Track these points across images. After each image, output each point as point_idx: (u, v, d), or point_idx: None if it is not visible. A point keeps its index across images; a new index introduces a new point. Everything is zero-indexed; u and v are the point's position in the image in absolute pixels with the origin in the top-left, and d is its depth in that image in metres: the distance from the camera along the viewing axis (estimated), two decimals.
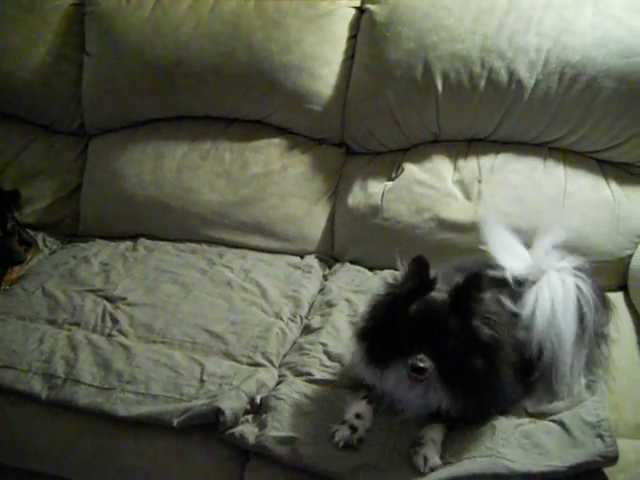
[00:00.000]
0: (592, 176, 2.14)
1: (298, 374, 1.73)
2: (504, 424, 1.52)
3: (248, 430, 1.57)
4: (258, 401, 1.65)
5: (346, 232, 2.27)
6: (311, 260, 2.25)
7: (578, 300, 1.61)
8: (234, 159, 2.37)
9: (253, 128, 2.41)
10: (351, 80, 2.31)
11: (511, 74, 2.11)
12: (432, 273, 1.49)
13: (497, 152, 2.20)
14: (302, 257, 2.28)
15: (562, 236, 1.69)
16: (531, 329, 1.57)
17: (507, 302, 1.58)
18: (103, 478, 1.70)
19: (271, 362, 1.79)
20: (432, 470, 1.43)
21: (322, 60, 2.31)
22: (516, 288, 1.61)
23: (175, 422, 1.58)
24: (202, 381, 1.69)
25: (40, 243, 2.37)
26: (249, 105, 2.38)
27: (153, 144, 2.43)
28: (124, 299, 2.01)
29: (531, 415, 1.56)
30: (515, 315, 1.58)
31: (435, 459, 1.44)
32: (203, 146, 2.40)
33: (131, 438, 1.64)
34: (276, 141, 2.38)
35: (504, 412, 1.55)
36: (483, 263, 1.64)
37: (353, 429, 1.51)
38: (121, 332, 1.88)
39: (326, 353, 1.80)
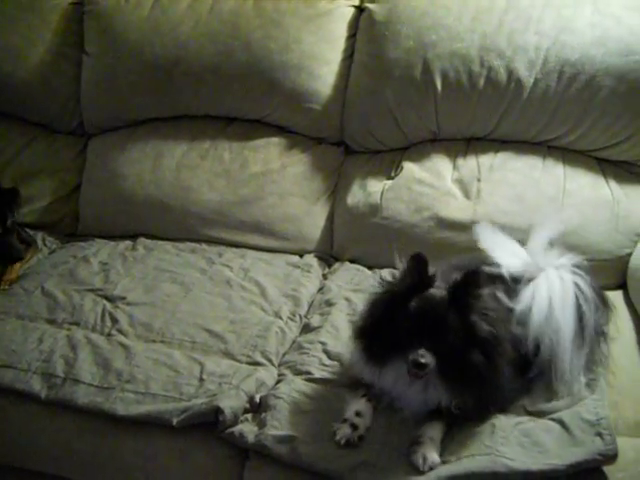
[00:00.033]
0: (591, 175, 2.14)
1: (297, 373, 1.73)
2: (503, 422, 1.52)
3: (247, 429, 1.57)
4: (257, 400, 1.65)
5: (345, 231, 2.27)
6: (310, 259, 2.25)
7: (576, 298, 1.62)
8: (233, 158, 2.37)
9: (252, 127, 2.41)
10: (350, 79, 2.31)
11: (510, 73, 2.11)
12: (431, 270, 1.50)
13: (496, 151, 2.21)
14: (301, 256, 2.28)
15: (559, 229, 1.69)
16: (527, 325, 1.57)
17: (504, 298, 1.58)
18: (103, 477, 1.70)
19: (270, 361, 1.79)
20: (431, 469, 1.43)
21: (321, 59, 2.31)
22: (513, 285, 1.62)
23: (175, 421, 1.58)
24: (201, 380, 1.69)
25: (39, 242, 2.37)
26: (248, 104, 2.38)
27: (152, 143, 2.43)
28: (123, 298, 2.01)
29: (530, 413, 1.56)
30: (512, 311, 1.58)
31: (434, 457, 1.44)
32: (202, 145, 2.40)
33: (130, 437, 1.64)
34: (275, 140, 2.38)
35: (503, 410, 1.56)
36: (481, 261, 1.64)
37: (354, 427, 1.51)
38: (120, 331, 1.88)
39: (325, 352, 1.80)
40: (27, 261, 2.26)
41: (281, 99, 2.33)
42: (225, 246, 2.30)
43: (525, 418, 1.54)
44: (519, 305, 1.58)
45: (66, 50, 2.51)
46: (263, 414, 1.59)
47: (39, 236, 2.40)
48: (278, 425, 1.55)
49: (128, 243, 2.34)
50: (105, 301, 2.01)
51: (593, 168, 2.15)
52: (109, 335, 1.88)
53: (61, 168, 2.52)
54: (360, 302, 1.91)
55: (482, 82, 2.14)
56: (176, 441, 1.61)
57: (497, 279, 1.61)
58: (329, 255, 2.30)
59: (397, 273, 1.56)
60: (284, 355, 1.84)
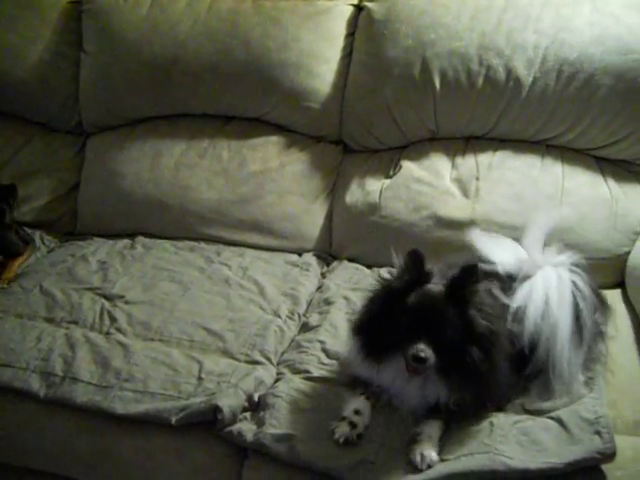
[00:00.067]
0: (590, 173, 2.14)
1: (296, 372, 1.73)
2: (502, 421, 1.52)
3: (246, 428, 1.57)
4: (256, 399, 1.65)
5: (344, 230, 2.27)
6: (309, 258, 2.25)
7: (574, 296, 1.62)
8: (232, 157, 2.37)
9: (251, 126, 2.41)
10: (349, 78, 2.31)
11: (509, 72, 2.11)
12: (428, 267, 1.50)
13: (495, 150, 2.21)
14: (300, 255, 2.28)
15: (554, 223, 1.69)
16: (522, 321, 1.57)
17: (500, 294, 1.58)
18: (101, 476, 1.70)
19: (269, 360, 1.79)
20: (429, 467, 1.43)
21: (320, 58, 2.31)
22: (509, 282, 1.62)
23: (173, 420, 1.58)
24: (200, 379, 1.69)
25: (38, 241, 2.37)
26: (247, 103, 2.38)
27: (151, 142, 2.43)
28: (122, 297, 2.01)
29: (529, 412, 1.56)
30: (507, 307, 1.58)
31: (432, 456, 1.44)
32: (201, 144, 2.40)
33: (129, 436, 1.64)
34: (274, 139, 2.38)
35: (500, 407, 1.56)
36: (478, 259, 1.64)
37: (353, 425, 1.51)
38: (119, 330, 1.88)
39: (324, 351, 1.80)
40: (25, 260, 2.26)
41: (280, 97, 2.33)
42: (224, 245, 2.30)
43: (524, 417, 1.54)
44: (515, 302, 1.59)
45: (64, 49, 2.50)
46: (262, 413, 1.59)
47: (37, 235, 2.40)
48: (277, 424, 1.55)
49: (126, 242, 2.34)
50: (103, 300, 2.01)
51: (591, 167, 2.15)
52: (107, 334, 1.88)
53: (59, 167, 2.52)
54: (359, 301, 1.91)
55: (481, 81, 2.14)
56: (175, 440, 1.61)
57: (493, 276, 1.61)
58: (328, 254, 2.30)
59: (394, 271, 1.56)
60: (283, 354, 1.84)
